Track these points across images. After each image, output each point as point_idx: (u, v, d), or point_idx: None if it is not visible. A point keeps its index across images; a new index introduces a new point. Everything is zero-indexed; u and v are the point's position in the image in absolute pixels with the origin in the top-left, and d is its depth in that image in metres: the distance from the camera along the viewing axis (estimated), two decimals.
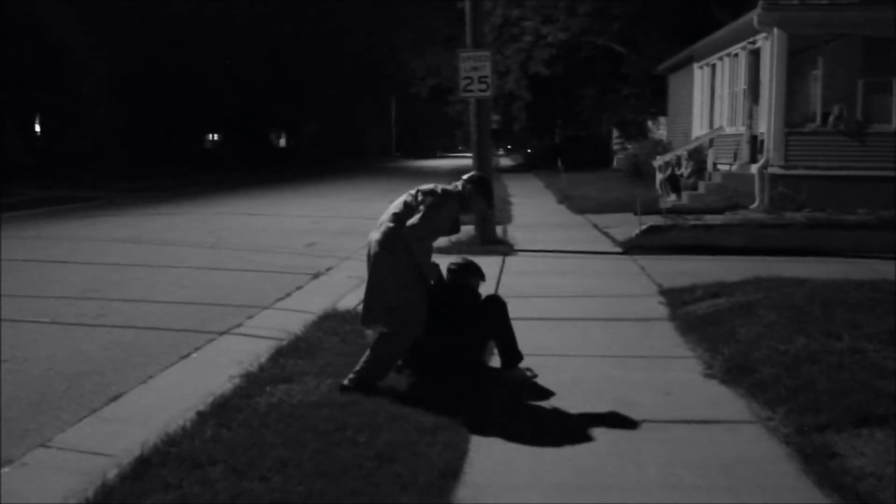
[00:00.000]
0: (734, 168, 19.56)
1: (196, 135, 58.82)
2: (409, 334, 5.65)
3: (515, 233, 15.47)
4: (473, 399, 5.42)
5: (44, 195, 25.71)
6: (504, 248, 13.17)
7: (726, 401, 5.35)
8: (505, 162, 67.44)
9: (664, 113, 33.31)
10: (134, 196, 26.00)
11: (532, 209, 21.08)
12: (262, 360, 6.39)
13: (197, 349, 7.19)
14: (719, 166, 20.65)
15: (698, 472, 4.29)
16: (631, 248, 12.71)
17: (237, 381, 5.89)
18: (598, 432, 4.83)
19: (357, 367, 5.60)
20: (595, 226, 16.54)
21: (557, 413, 5.21)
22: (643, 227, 13.84)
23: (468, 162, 15.26)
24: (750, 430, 4.82)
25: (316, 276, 10.83)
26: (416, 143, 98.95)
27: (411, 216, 5.57)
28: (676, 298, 8.46)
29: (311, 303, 8.88)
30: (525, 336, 6.34)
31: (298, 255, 12.97)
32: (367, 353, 5.65)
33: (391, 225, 5.64)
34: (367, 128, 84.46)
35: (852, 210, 15.94)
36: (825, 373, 5.41)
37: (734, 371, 5.75)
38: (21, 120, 39.99)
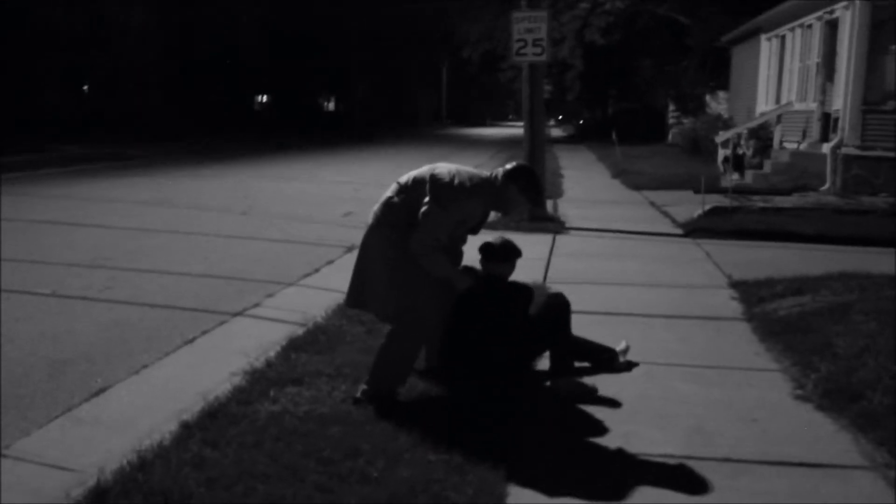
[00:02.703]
0: (803, 147, 18.26)
1: (245, 97, 57.96)
2: (417, 336, 4.71)
3: (567, 208, 14.42)
4: (515, 420, 4.47)
5: (83, 153, 25.15)
6: (554, 225, 12.15)
7: (827, 434, 4.32)
8: (556, 132, 65.97)
9: (724, 87, 31.87)
10: (175, 157, 25.31)
11: (584, 183, 19.97)
12: (272, 353, 5.51)
13: (204, 333, 6.35)
14: (786, 145, 19.35)
15: None
16: (693, 230, 11.62)
17: (238, 379, 5.02)
18: (671, 473, 3.85)
19: (368, 376, 4.69)
20: (652, 203, 15.44)
21: (620, 442, 4.23)
22: (706, 207, 12.73)
23: (519, 131, 14.24)
24: (866, 481, 3.79)
25: (350, 249, 9.88)
26: (466, 111, 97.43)
27: (410, 205, 4.59)
28: (751, 293, 7.41)
29: (340, 280, 7.86)
30: (577, 333, 5.39)
31: (334, 225, 12.10)
32: (376, 356, 4.74)
33: (386, 199, 4.76)
34: (417, 94, 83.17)
35: None
36: None
37: (834, 395, 4.71)
38: (70, 80, 39.49)
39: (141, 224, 11.49)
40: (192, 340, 6.13)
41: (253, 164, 23.43)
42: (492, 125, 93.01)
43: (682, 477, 3.82)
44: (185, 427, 4.18)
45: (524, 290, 4.95)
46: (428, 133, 58.21)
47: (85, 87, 41.75)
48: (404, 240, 4.52)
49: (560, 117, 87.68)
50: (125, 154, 25.24)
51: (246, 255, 9.55)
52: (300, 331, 6.15)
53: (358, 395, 4.58)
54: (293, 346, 5.60)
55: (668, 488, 3.69)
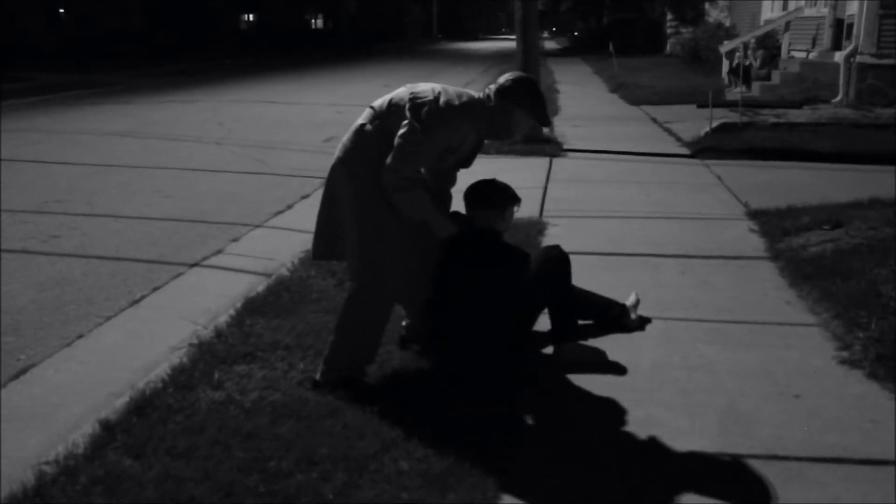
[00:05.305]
0: (813, 56, 17.25)
1: (230, 16, 56.13)
2: (379, 301, 3.84)
3: (563, 127, 13.51)
4: (510, 405, 3.67)
5: (57, 81, 23.96)
6: (551, 147, 11.26)
7: (889, 415, 3.52)
8: (549, 45, 64.14)
9: None
10: (155, 83, 24.13)
11: (581, 99, 18.98)
12: (224, 319, 4.71)
13: (155, 290, 5.57)
14: (794, 54, 18.31)
15: None
16: (701, 149, 10.74)
17: (181, 353, 4.25)
18: (705, 477, 3.06)
19: (327, 351, 3.85)
20: (654, 120, 14.54)
21: (638, 431, 3.43)
22: (714, 123, 11.82)
23: (511, 45, 13.30)
24: None
25: None
26: (458, 25, 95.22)
27: (384, 134, 3.72)
28: (773, 225, 6.60)
29: (314, 218, 7.17)
30: (580, 280, 4.59)
31: (313, 152, 11.22)
32: (335, 327, 3.89)
33: (357, 128, 3.86)
34: (408, 9, 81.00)
35: None
36: None
37: (889, 361, 3.89)
38: (45, 3, 37.78)
39: (105, 159, 10.62)
40: (139, 300, 5.35)
41: (234, 87, 22.34)
42: (483, 39, 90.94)
43: (719, 483, 3.04)
44: (106, 428, 3.40)
45: (520, 259, 4.06)
46: (418, 49, 56.62)
47: (61, 11, 40.12)
48: (376, 177, 3.68)
49: (553, 29, 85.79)
50: (102, 81, 24.07)
51: (214, 192, 8.71)
52: (263, 284, 5.37)
53: (317, 376, 3.78)
54: (249, 309, 4.80)
55: (703, 494, 2.91)
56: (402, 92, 3.81)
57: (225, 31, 51.12)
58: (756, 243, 6.32)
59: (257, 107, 17.14)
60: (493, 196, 4.05)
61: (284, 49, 45.93)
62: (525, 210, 7.08)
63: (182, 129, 13.51)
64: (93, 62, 31.16)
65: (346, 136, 3.87)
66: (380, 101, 3.87)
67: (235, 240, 6.84)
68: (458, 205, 4.13)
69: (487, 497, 2.90)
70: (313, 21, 69.96)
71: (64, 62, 30.19)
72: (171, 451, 3.19)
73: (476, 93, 3.85)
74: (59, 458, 3.18)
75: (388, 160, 3.62)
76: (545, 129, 12.26)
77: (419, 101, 3.68)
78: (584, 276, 5.13)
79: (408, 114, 3.66)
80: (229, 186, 9.02)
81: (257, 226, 7.30)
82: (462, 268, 3.96)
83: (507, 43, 59.15)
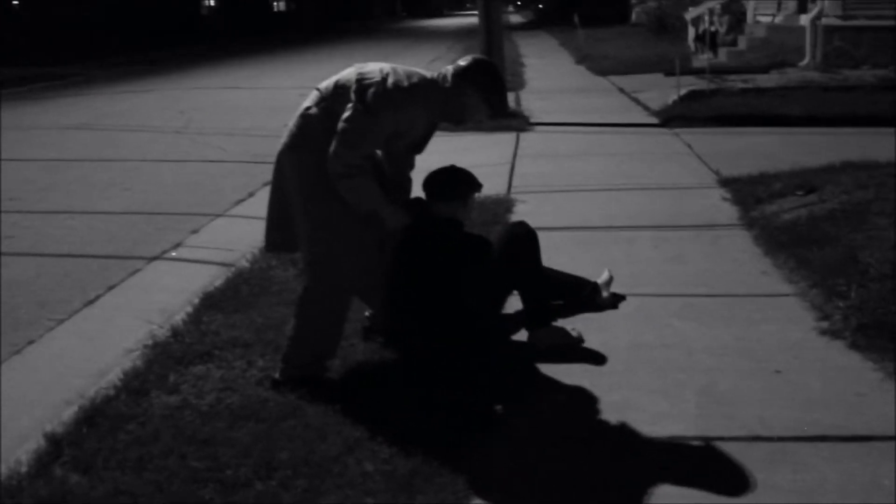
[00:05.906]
0: (779, 20, 17.15)
1: (190, 1, 55.37)
2: (334, 294, 3.63)
3: (530, 101, 13.33)
4: (480, 396, 3.50)
5: (12, 74, 23.40)
6: (518, 121, 11.06)
7: (874, 388, 3.38)
8: (514, 19, 63.84)
9: None
10: (112, 72, 23.68)
11: (547, 71, 18.83)
12: (181, 317, 4.51)
13: (110, 288, 5.34)
14: (760, 18, 18.21)
15: None
16: (670, 118, 10.61)
17: (135, 355, 4.05)
18: (687, 467, 2.92)
19: (286, 348, 3.65)
20: (621, 90, 14.40)
21: (614, 418, 3.26)
22: (682, 91, 11.68)
23: (477, 20, 13.11)
24: None
25: None
26: (421, 2, 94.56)
27: (331, 118, 3.51)
28: (746, 193, 6.47)
29: None
30: (551, 258, 4.43)
31: (276, 137, 10.78)
32: (292, 322, 3.69)
33: (302, 112, 3.67)
34: None
35: None
36: None
37: (871, 330, 3.78)
38: None
39: (62, 153, 10.32)
40: (93, 301, 5.13)
41: (195, 74, 21.92)
42: (448, 15, 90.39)
43: (702, 472, 2.88)
44: (53, 442, 3.20)
45: (480, 246, 3.83)
46: (383, 28, 56.14)
47: (15, 2, 39.32)
48: (323, 164, 3.46)
49: (518, 3, 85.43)
50: (59, 74, 23.52)
51: (175, 183, 8.48)
52: (222, 277, 5.17)
53: (277, 374, 3.59)
54: (207, 304, 4.61)
55: (683, 483, 2.77)
56: (349, 72, 3.61)
57: (185, 17, 50.40)
58: (729, 212, 6.19)
59: (219, 93, 16.81)
60: (453, 187, 3.83)
61: (247, 33, 45.34)
62: (492, 187, 6.96)
63: (141, 120, 13.19)
64: (49, 54, 30.47)
65: (291, 121, 3.68)
66: (326, 83, 3.67)
67: (195, 231, 6.63)
68: (417, 189, 3.94)
69: (458, 498, 2.73)
70: (275, 4, 69.20)
71: (19, 56, 29.51)
72: (121, 464, 3.00)
73: (429, 73, 3.66)
74: (1, 478, 2.98)
75: (332, 146, 3.42)
76: (511, 103, 12.08)
77: (366, 82, 3.49)
78: (555, 253, 4.98)
79: (353, 96, 3.47)
80: (189, 176, 8.79)
81: (218, 215, 7.09)
82: (420, 258, 3.75)
83: (473, 18, 58.83)
